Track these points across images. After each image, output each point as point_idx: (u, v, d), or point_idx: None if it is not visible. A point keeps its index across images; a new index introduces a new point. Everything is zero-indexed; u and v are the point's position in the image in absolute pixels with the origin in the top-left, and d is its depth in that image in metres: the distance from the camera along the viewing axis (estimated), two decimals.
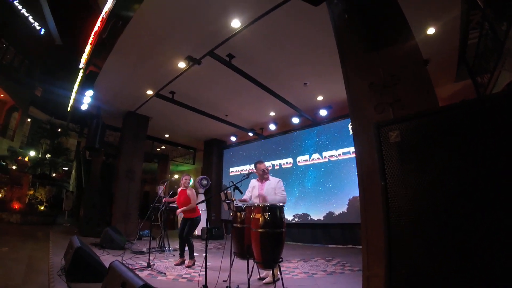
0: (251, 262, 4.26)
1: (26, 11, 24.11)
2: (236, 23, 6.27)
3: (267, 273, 4.77)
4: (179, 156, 19.78)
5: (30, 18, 24.57)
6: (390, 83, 3.19)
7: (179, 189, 7.13)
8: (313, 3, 3.75)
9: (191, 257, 6.47)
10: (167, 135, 15.46)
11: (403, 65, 3.21)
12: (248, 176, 5.01)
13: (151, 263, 6.08)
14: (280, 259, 4.15)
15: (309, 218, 10.29)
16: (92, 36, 8.59)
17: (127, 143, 11.68)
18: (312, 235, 10.11)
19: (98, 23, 7.98)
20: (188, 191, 6.87)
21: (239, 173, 13.25)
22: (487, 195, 1.62)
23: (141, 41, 7.24)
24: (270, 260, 4.01)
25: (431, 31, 6.37)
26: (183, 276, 5.40)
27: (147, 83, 9.36)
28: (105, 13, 7.48)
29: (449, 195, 1.78)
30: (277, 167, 12.00)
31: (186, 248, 6.61)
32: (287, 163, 11.73)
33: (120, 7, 6.60)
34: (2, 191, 15.25)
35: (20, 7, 23.50)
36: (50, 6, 25.97)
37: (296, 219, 10.65)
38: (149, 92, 9.83)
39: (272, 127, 11.82)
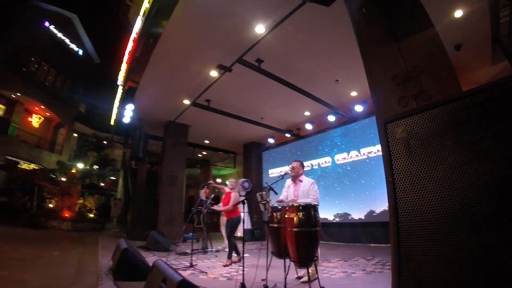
0: (288, 261, 4.30)
1: (63, 35, 25.91)
2: (260, 29, 6.39)
3: (304, 272, 4.80)
4: (220, 161, 20.18)
5: (67, 41, 26.41)
6: (413, 75, 3.14)
7: (226, 192, 7.45)
8: (325, 3, 3.75)
9: (229, 256, 6.67)
10: (207, 141, 15.88)
11: (425, 55, 3.14)
12: (282, 177, 5.08)
13: (194, 263, 6.31)
14: (315, 258, 4.16)
15: (350, 217, 10.11)
16: (127, 56, 9.04)
17: (169, 151, 12.22)
18: (353, 234, 9.92)
19: (131, 43, 8.39)
20: (232, 194, 7.13)
21: (278, 174, 13.29)
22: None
23: (173, 55, 7.61)
24: (305, 258, 4.03)
25: (458, 14, 6.12)
26: (223, 275, 5.56)
27: (183, 93, 9.74)
28: (136, 33, 7.86)
29: (459, 192, 1.76)
30: (316, 167, 11.91)
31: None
32: (325, 162, 11.60)
33: (149, 26, 6.92)
34: (53, 201, 16.30)
35: (56, 31, 25.23)
36: (85, 27, 27.94)
37: (336, 219, 10.50)
38: (186, 101, 10.21)
39: (309, 126, 11.77)
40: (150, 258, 6.00)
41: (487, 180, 1.64)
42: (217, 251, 8.69)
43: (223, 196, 7.56)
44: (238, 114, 11.13)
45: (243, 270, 4.33)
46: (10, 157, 21.61)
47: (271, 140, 14.04)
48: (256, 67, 7.67)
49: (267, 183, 4.93)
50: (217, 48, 7.30)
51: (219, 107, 10.50)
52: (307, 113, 11.29)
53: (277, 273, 4.66)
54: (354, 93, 9.52)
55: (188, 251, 7.94)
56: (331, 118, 10.89)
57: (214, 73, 8.30)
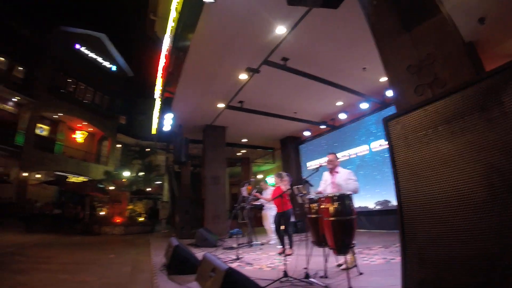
0: (327, 249, 4.53)
1: (95, 54, 27.86)
2: (281, 30, 6.67)
3: (344, 260, 4.98)
4: (259, 157, 20.57)
5: (100, 59, 28.30)
6: (426, 63, 3.24)
7: (276, 186, 7.84)
8: (333, 6, 3.88)
9: (291, 246, 7.01)
10: (244, 140, 16.30)
11: (436, 42, 3.23)
12: (317, 170, 5.28)
13: (240, 256, 6.68)
14: (353, 245, 4.33)
15: (390, 204, 10.08)
16: (160, 71, 9.61)
17: (209, 152, 12.81)
18: (394, 221, 9.78)
19: (163, 59, 8.91)
20: (282, 187, 7.44)
21: (316, 166, 13.36)
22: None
23: (203, 63, 8.06)
24: (342, 246, 4.20)
25: None
26: (268, 265, 5.87)
27: (217, 97, 10.19)
28: (167, 50, 8.33)
29: (452, 184, 1.97)
30: (353, 156, 11.92)
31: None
32: (363, 150, 11.59)
33: (177, 41, 7.34)
34: (104, 209, 17.48)
35: (87, 52, 27.24)
36: (115, 44, 29.86)
37: (377, 207, 10.50)
38: (221, 105, 10.64)
39: (343, 116, 11.81)
40: (199, 254, 6.41)
41: (477, 169, 1.84)
42: (262, 244, 9.04)
43: (273, 190, 7.90)
44: (271, 112, 11.39)
45: (285, 261, 4.55)
46: (59, 173, 23.87)
47: (307, 133, 14.18)
48: (283, 66, 7.90)
49: (303, 177, 5.15)
50: (243, 53, 7.62)
51: (252, 107, 10.84)
52: (339, 103, 11.33)
53: (318, 261, 4.85)
54: (383, 79, 9.44)
55: (235, 245, 8.32)
56: (364, 105, 10.88)
57: (243, 76, 8.64)
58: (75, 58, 26.21)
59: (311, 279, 4.21)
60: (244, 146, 17.37)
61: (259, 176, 21.43)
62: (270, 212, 8.88)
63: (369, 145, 11.30)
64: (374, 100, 10.59)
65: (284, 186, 7.40)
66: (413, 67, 3.37)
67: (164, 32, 8.94)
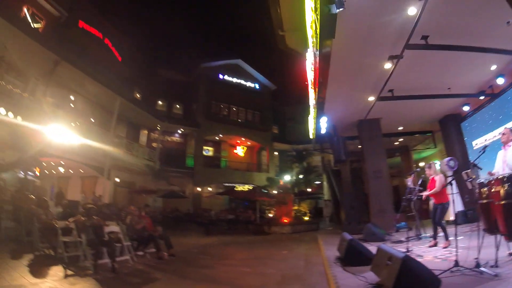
0: (498, 237, 4.24)
1: (237, 79, 31.58)
2: (412, 10, 6.46)
3: None
4: (418, 144, 19.48)
5: (243, 82, 31.82)
6: None
7: (430, 178, 7.49)
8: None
9: (446, 238, 6.71)
10: (400, 128, 15.79)
11: None
12: (483, 151, 4.91)
13: (410, 249, 6.54)
14: None
15: None
16: (310, 83, 10.17)
17: (367, 147, 12.94)
18: None
19: (311, 74, 9.39)
20: (436, 177, 7.19)
21: (483, 144, 11.84)
22: None
23: (346, 64, 8.54)
24: None
25: None
26: (438, 257, 5.74)
27: (366, 92, 10.39)
28: (312, 63, 8.76)
29: None
30: None
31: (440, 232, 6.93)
32: None
33: (320, 52, 7.60)
34: (272, 211, 19.16)
35: (230, 78, 31.17)
36: (252, 66, 32.93)
37: None
38: (371, 98, 10.76)
39: (500, 81, 10.05)
40: (369, 248, 6.56)
41: None
42: (431, 236, 8.52)
43: (429, 183, 7.53)
44: (423, 94, 10.84)
45: (456, 251, 4.47)
46: (227, 184, 28.45)
47: (465, 108, 12.65)
48: (425, 45, 7.58)
49: (470, 161, 4.88)
50: (382, 42, 7.67)
51: (403, 93, 10.51)
52: (493, 67, 9.79)
53: (489, 252, 4.52)
54: None
55: (403, 239, 8.11)
56: None
57: (388, 65, 8.52)
58: (222, 86, 30.56)
59: (482, 268, 4.00)
60: (401, 134, 16.88)
61: (421, 164, 20.00)
62: None
63: None
64: None
65: (439, 176, 7.01)
66: None
67: (296, 43, 9.51)
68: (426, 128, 16.46)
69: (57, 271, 6.33)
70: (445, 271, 4.12)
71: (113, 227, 7.88)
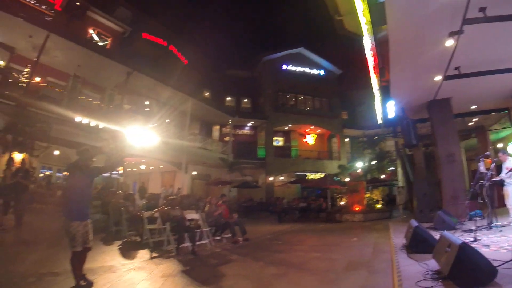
0: None
1: (301, 67, 32.03)
2: None
3: None
4: (494, 123, 17.97)
5: (307, 70, 32.22)
6: None
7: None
8: None
9: None
10: (473, 106, 14.70)
11: None
12: None
13: (478, 239, 6.41)
14: None
15: None
16: (372, 69, 10.17)
17: (438, 129, 12.32)
18: None
19: (371, 58, 9.43)
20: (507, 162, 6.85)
21: None
22: None
23: (405, 46, 8.36)
24: None
25: None
26: (505, 247, 5.53)
27: (431, 72, 9.98)
28: (370, 49, 8.80)
29: None
30: None
31: None
32: None
33: (377, 36, 7.68)
34: (344, 199, 19.37)
35: (294, 68, 31.71)
36: (315, 52, 33.11)
37: None
38: (437, 78, 10.27)
39: None
40: (438, 236, 6.58)
41: None
42: (503, 226, 8.06)
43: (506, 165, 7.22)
44: (493, 68, 9.99)
45: None
46: (298, 173, 29.35)
47: None
48: (484, 18, 7.15)
49: None
50: (438, 21, 7.42)
51: (470, 69, 9.81)
52: None
53: None
54: None
55: (473, 228, 7.89)
56: None
57: (449, 42, 8.13)
58: (286, 76, 31.13)
59: None
60: (474, 113, 15.78)
61: (499, 145, 18.41)
62: None
63: None
64: None
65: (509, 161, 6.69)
66: None
67: (356, 26, 9.43)
68: (501, 105, 15.06)
69: (143, 254, 7.59)
70: (506, 262, 4.02)
71: (193, 215, 9.01)
